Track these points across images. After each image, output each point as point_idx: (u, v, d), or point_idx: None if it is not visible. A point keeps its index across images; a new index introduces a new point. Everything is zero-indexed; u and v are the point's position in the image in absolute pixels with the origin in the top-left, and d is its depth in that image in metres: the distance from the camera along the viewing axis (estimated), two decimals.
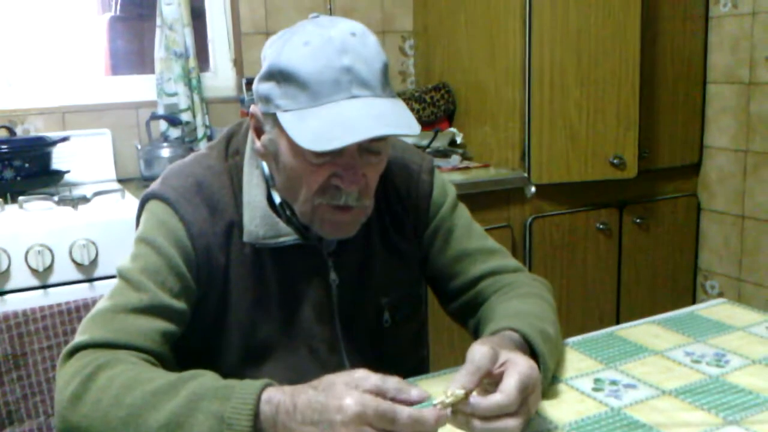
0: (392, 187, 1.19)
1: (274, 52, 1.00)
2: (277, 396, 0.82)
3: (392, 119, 0.97)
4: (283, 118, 0.97)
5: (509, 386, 0.84)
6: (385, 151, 1.05)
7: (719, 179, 2.75)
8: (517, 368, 0.86)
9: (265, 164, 1.10)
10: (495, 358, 0.88)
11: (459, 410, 0.83)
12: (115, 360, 0.95)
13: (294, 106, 0.97)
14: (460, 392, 0.83)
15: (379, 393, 0.80)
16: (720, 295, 2.77)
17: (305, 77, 0.95)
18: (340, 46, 0.96)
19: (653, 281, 2.71)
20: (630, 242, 2.63)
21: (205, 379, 0.89)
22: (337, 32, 0.98)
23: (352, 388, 0.80)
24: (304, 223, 1.08)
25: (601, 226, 2.53)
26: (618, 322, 1.20)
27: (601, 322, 2.48)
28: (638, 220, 2.63)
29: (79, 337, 1.00)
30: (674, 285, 2.79)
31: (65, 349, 0.99)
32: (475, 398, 0.84)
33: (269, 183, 1.11)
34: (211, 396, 0.85)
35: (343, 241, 1.12)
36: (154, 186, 1.12)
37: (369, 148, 1.01)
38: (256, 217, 1.08)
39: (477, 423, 0.84)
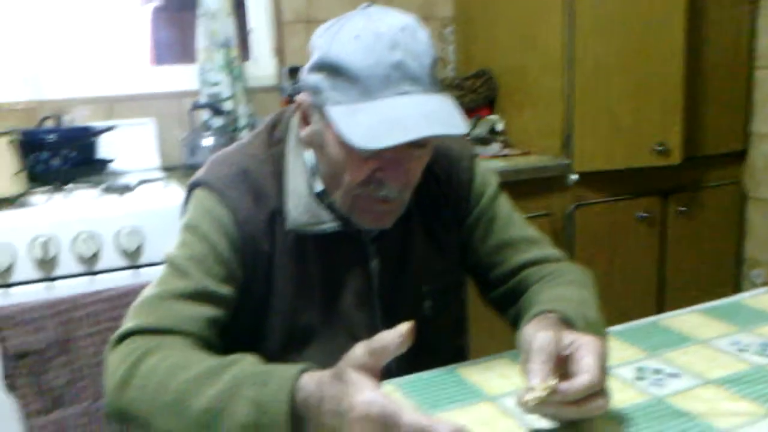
0: (433, 175, 1.19)
1: (324, 43, 1.00)
2: (309, 384, 0.83)
3: (442, 117, 0.97)
4: (332, 112, 0.98)
5: (590, 365, 0.84)
6: (431, 145, 1.05)
7: (766, 166, 2.70)
8: (590, 346, 0.86)
9: (308, 152, 1.11)
10: (560, 342, 0.88)
11: (547, 400, 0.82)
12: (162, 345, 0.97)
13: (343, 100, 0.97)
14: (553, 382, 0.82)
15: (371, 359, 0.79)
16: (765, 284, 2.71)
17: (355, 72, 0.95)
18: (390, 40, 0.96)
19: (697, 271, 2.67)
20: (673, 231, 2.59)
21: (245, 365, 0.91)
22: (388, 26, 0.97)
23: (360, 380, 0.78)
24: (342, 212, 1.09)
25: (643, 215, 2.50)
26: (660, 313, 1.19)
27: (643, 312, 2.45)
28: (682, 209, 2.59)
29: (127, 324, 1.02)
30: (718, 275, 2.75)
31: (114, 336, 1.01)
32: (563, 385, 0.83)
33: (312, 171, 1.12)
34: (250, 382, 0.87)
35: (384, 229, 1.13)
36: (199, 174, 1.14)
37: (415, 142, 1.00)
38: (299, 205, 1.09)
39: (569, 409, 0.84)
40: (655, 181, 2.52)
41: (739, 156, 2.75)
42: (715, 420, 0.90)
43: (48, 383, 1.84)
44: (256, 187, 1.10)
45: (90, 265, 1.87)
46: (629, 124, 2.36)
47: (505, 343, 1.13)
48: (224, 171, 1.12)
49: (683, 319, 1.23)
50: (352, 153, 1.00)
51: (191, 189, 1.15)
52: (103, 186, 2.05)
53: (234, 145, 1.19)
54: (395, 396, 0.77)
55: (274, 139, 1.16)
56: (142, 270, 1.91)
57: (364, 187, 1.03)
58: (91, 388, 1.87)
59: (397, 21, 0.99)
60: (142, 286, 1.79)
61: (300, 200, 1.10)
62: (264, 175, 1.12)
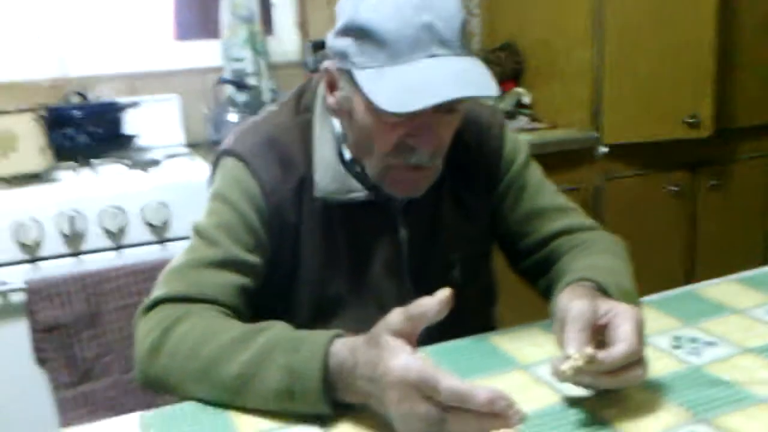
0: (462, 142, 1.16)
1: (350, 7, 0.97)
2: (342, 350, 0.82)
3: (473, 79, 0.94)
4: (360, 76, 0.96)
5: (628, 334, 0.82)
6: (461, 110, 1.03)
7: None
8: (627, 314, 0.84)
9: (336, 121, 1.10)
10: (596, 311, 0.86)
11: (583, 369, 0.80)
12: (191, 313, 0.96)
13: (371, 64, 0.95)
14: (589, 351, 0.80)
15: (409, 324, 0.78)
16: None
17: (384, 35, 0.93)
18: (419, 2, 0.93)
19: (727, 245, 2.62)
20: (704, 205, 2.55)
21: (276, 331, 0.90)
22: None
23: (396, 346, 0.76)
24: (373, 180, 1.07)
25: (674, 189, 2.46)
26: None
27: (673, 286, 2.42)
28: (713, 182, 2.55)
29: (156, 292, 1.01)
30: (749, 249, 2.70)
31: (143, 304, 1.01)
32: (600, 354, 0.81)
33: (340, 139, 1.10)
34: (281, 348, 0.86)
35: (413, 198, 1.11)
36: (227, 143, 1.13)
37: (446, 106, 0.98)
38: (328, 173, 1.08)
39: (606, 379, 0.82)
40: (685, 155, 2.48)
41: None
42: (752, 388, 0.87)
43: (77, 356, 1.85)
44: (284, 156, 1.09)
45: (117, 240, 1.87)
46: (659, 96, 2.32)
47: (533, 315, 1.12)
48: (252, 140, 1.11)
49: (718, 288, 1.20)
50: (381, 118, 0.98)
51: (219, 158, 1.14)
52: (129, 161, 2.05)
53: (261, 114, 1.18)
54: (431, 361, 0.75)
55: (302, 107, 1.14)
56: (168, 244, 1.91)
57: (394, 155, 1.01)
58: (120, 361, 1.88)
59: None
60: (169, 261, 1.80)
61: (328, 169, 1.08)
62: (292, 144, 1.10)
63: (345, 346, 0.82)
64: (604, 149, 2.32)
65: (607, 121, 2.32)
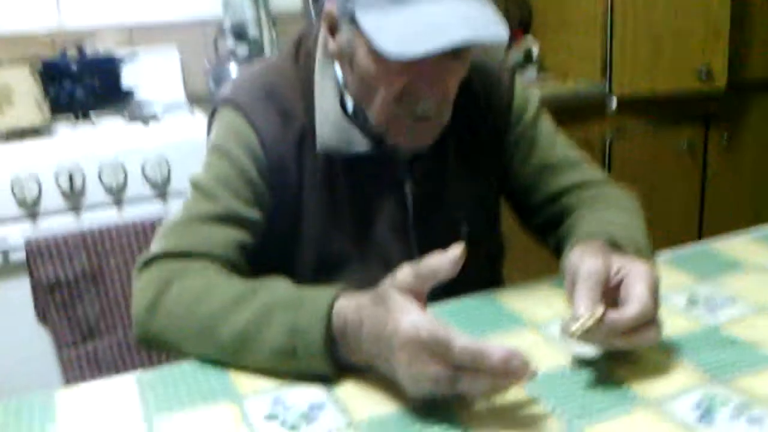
0: (470, 94, 1.11)
1: None
2: (347, 308, 0.79)
3: (481, 22, 0.89)
4: (363, 17, 0.91)
5: (642, 293, 0.78)
6: (468, 57, 0.98)
7: None
8: (640, 273, 0.80)
9: (338, 68, 1.05)
10: (608, 268, 0.82)
11: (594, 330, 0.77)
12: (190, 269, 0.93)
13: (375, 7, 0.90)
14: (601, 311, 0.76)
15: (418, 281, 0.75)
16: None
17: None
18: None
19: (737, 201, 2.58)
20: (715, 160, 2.50)
21: (277, 288, 0.87)
22: None
23: (405, 304, 0.73)
24: (378, 131, 1.03)
25: (685, 145, 2.41)
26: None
27: (681, 242, 2.39)
28: (725, 137, 2.49)
29: (153, 248, 0.98)
30: (760, 206, 2.66)
31: (140, 260, 0.98)
32: (612, 314, 0.77)
33: (342, 88, 1.05)
34: (283, 305, 0.83)
35: (419, 152, 1.07)
36: (224, 92, 1.09)
37: (453, 52, 0.92)
38: (329, 125, 1.03)
39: (619, 339, 0.78)
40: (697, 110, 2.42)
41: None
42: None
43: (79, 315, 1.83)
44: (284, 106, 1.05)
45: (117, 196, 1.84)
46: (671, 47, 2.26)
47: (539, 272, 1.09)
48: (250, 89, 1.06)
49: (733, 244, 1.16)
50: (384, 63, 0.92)
51: (216, 109, 1.09)
52: (128, 115, 2.01)
53: (259, 63, 1.13)
54: (442, 320, 0.72)
55: (301, 54, 1.09)
56: (170, 200, 1.88)
57: (399, 104, 0.96)
58: (123, 319, 1.87)
59: None
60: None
61: (330, 120, 1.04)
62: (292, 93, 1.06)
63: (350, 304, 0.79)
64: (614, 102, 2.27)
65: (617, 73, 2.26)
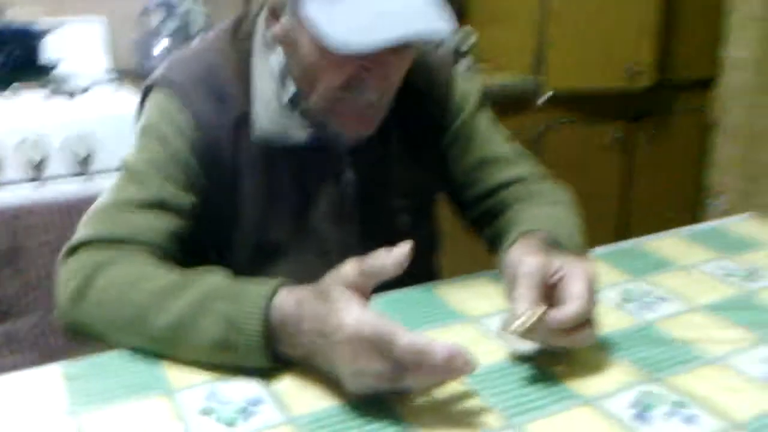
0: (411, 86, 1.09)
1: None
2: (287, 302, 0.77)
3: (429, 15, 0.88)
4: (309, 5, 0.88)
5: (580, 292, 0.79)
6: (413, 47, 0.97)
7: (735, 94, 2.66)
8: (579, 272, 0.81)
9: (279, 53, 1.02)
10: (548, 267, 0.82)
11: (534, 328, 0.77)
12: (120, 256, 0.89)
13: None
14: (540, 310, 0.77)
15: (362, 279, 0.75)
16: (727, 211, 2.72)
17: None
18: None
19: (661, 197, 2.66)
20: (641, 156, 2.57)
21: (214, 278, 0.84)
22: None
23: (349, 300, 0.73)
24: (320, 118, 1.00)
25: (613, 139, 2.46)
26: (624, 238, 1.17)
27: (606, 238, 2.45)
28: (651, 133, 2.56)
29: (80, 233, 0.94)
30: (683, 202, 2.74)
31: (66, 246, 0.93)
32: (551, 313, 0.78)
33: (283, 72, 1.02)
34: (220, 297, 0.80)
35: (360, 139, 1.05)
36: (157, 74, 1.04)
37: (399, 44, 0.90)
38: (267, 112, 1.00)
39: (557, 337, 0.79)
40: (624, 105, 2.48)
41: (712, 82, 2.71)
42: (704, 347, 0.86)
43: None
44: (220, 90, 1.01)
45: (37, 172, 1.76)
46: (602, 43, 2.30)
47: (471, 263, 1.09)
48: (184, 71, 1.02)
49: (665, 242, 1.19)
50: (329, 54, 0.90)
51: (148, 90, 1.05)
52: (51, 88, 1.92)
53: (195, 43, 1.09)
54: (388, 317, 0.71)
55: (241, 35, 1.05)
56: (94, 177, 1.80)
57: (342, 92, 0.94)
58: (43, 299, 1.79)
59: None
60: (93, 195, 1.68)
61: (268, 106, 1.01)
62: (229, 77, 1.02)
63: (290, 298, 0.77)
64: (547, 94, 2.30)
65: (549, 67, 2.29)
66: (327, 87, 0.94)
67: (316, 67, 0.93)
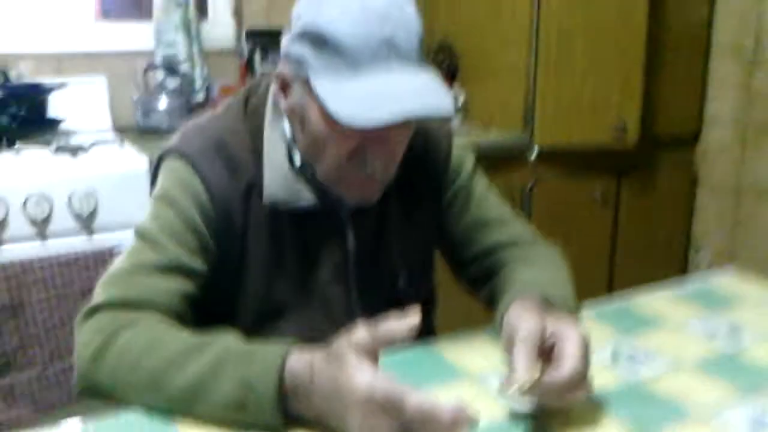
0: (411, 151, 1.16)
1: (310, 12, 0.95)
2: (299, 363, 0.81)
3: (432, 95, 0.94)
4: (318, 85, 0.94)
5: (574, 355, 0.85)
6: (414, 122, 1.03)
7: (718, 151, 2.75)
8: (573, 335, 0.87)
9: (287, 124, 1.08)
10: (544, 330, 0.88)
11: (531, 390, 0.83)
12: (136, 320, 0.94)
13: (330, 74, 0.93)
14: (537, 375, 0.83)
15: (374, 343, 0.79)
16: (710, 266, 2.79)
17: (343, 44, 0.91)
18: (380, 13, 0.92)
19: (646, 252, 2.72)
20: (626, 211, 2.64)
21: (228, 341, 0.88)
22: None
23: (361, 363, 0.77)
24: (326, 185, 1.06)
25: (598, 195, 2.53)
26: (610, 292, 1.22)
27: (593, 291, 2.50)
28: (636, 189, 2.63)
29: (96, 297, 0.98)
30: (667, 256, 2.81)
31: (83, 310, 0.97)
32: (547, 377, 0.84)
33: (290, 143, 1.08)
34: (234, 359, 0.85)
35: (362, 204, 1.10)
36: (172, 143, 1.10)
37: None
38: (277, 179, 1.06)
39: (552, 397, 0.85)
40: (610, 161, 2.55)
41: (694, 139, 2.80)
42: (689, 403, 0.91)
43: None
44: (232, 159, 1.07)
45: (41, 229, 1.81)
46: (589, 102, 2.38)
47: (467, 318, 1.14)
48: (198, 141, 1.08)
49: (653, 300, 1.24)
50: (336, 127, 0.96)
51: (162, 158, 1.10)
52: (55, 146, 1.97)
53: (207, 114, 1.15)
54: (396, 379, 0.76)
55: (250, 109, 1.12)
56: (96, 235, 1.85)
57: (348, 162, 1.00)
58: (43, 354, 1.82)
59: None
60: (95, 252, 1.73)
61: (277, 174, 1.07)
62: (240, 147, 1.08)
63: (302, 359, 0.81)
64: (534, 151, 2.37)
65: (538, 124, 2.37)
66: (334, 158, 1.00)
67: (324, 138, 0.99)
